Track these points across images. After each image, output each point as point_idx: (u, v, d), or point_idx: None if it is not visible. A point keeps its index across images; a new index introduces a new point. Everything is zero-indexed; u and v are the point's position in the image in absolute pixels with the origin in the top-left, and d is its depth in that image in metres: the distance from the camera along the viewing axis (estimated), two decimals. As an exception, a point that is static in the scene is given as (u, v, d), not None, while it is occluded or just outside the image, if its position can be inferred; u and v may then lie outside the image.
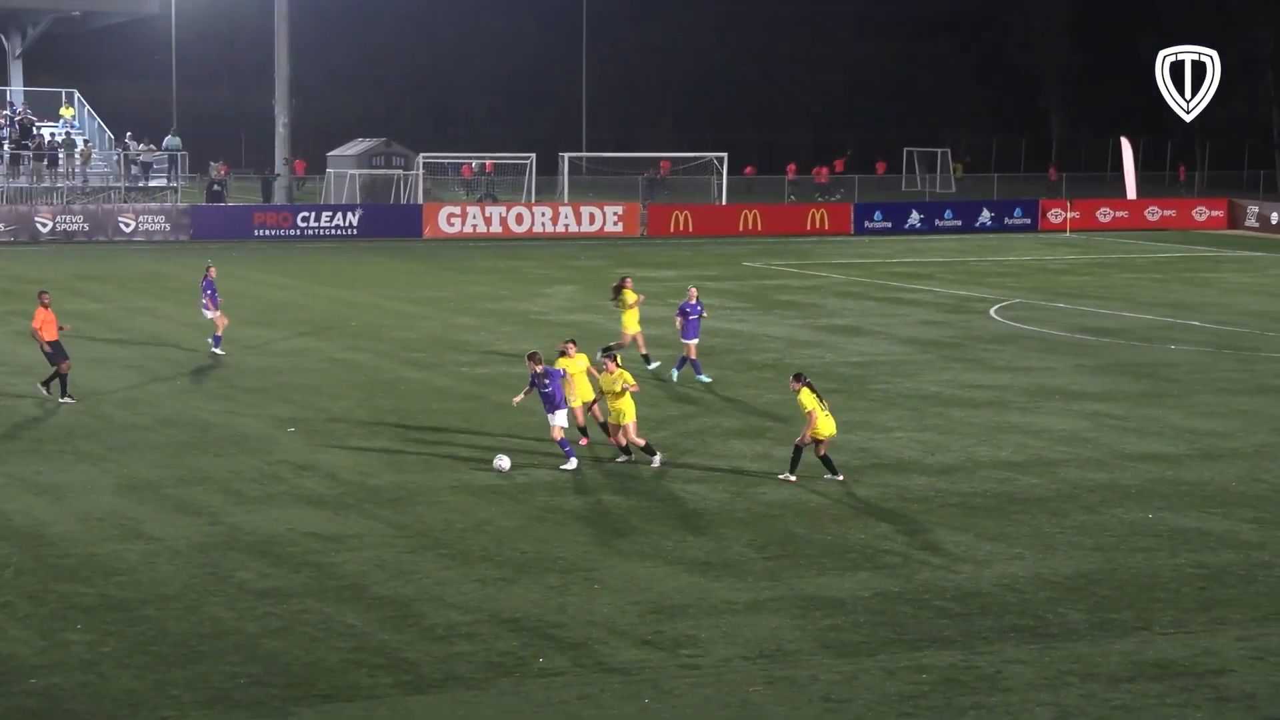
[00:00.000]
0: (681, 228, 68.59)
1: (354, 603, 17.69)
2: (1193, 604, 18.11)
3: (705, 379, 31.83)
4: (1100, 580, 18.92)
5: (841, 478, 23.62)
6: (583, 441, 25.72)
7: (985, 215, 72.52)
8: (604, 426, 25.44)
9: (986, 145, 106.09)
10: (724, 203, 73.24)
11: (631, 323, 32.99)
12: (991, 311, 43.94)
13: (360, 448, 25.64)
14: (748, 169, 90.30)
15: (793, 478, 23.63)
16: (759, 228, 69.34)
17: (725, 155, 75.01)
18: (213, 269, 35.25)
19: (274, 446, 25.57)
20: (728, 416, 28.70)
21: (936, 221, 71.78)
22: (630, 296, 33.07)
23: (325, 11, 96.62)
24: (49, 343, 29.04)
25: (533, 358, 24.59)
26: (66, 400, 28.78)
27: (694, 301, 32.32)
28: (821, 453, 23.65)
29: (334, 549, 19.80)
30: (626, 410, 24.37)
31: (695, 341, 32.13)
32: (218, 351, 34.17)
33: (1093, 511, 22.17)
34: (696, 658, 16.19)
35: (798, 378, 23.71)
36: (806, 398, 23.38)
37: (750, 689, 15.37)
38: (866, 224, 70.64)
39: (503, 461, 24.26)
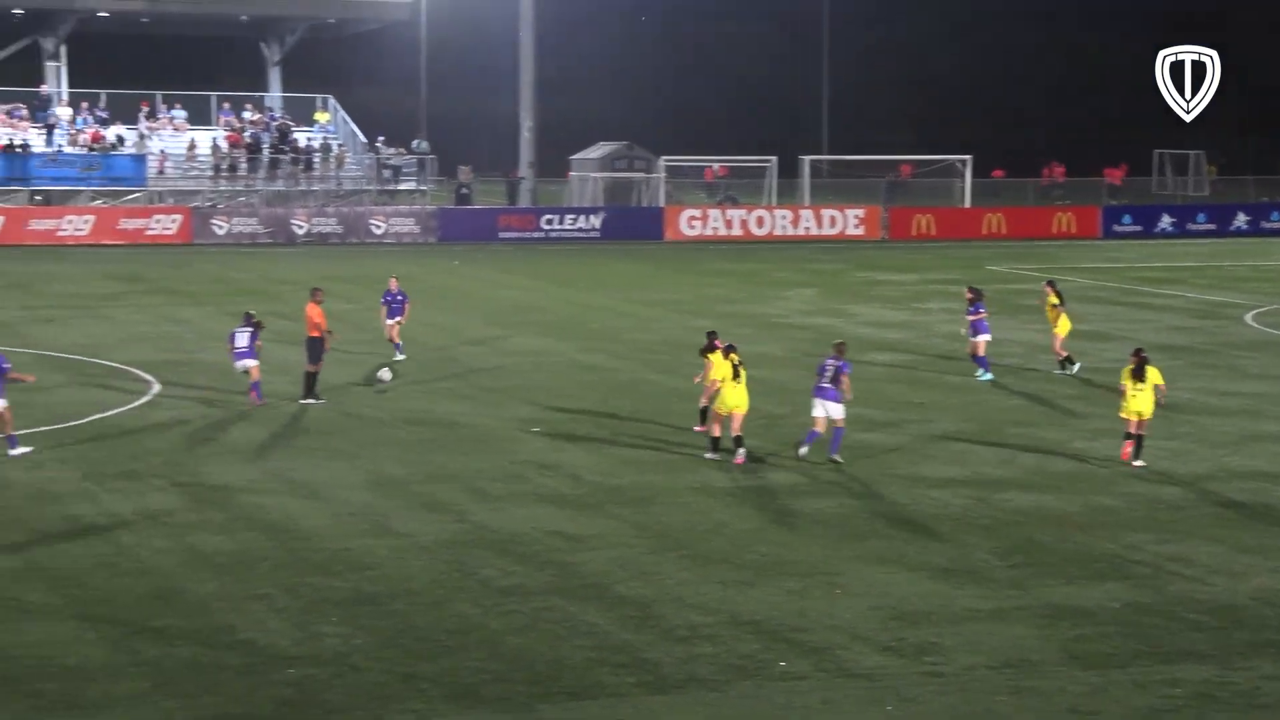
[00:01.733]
0: (923, 231, 67.92)
1: (596, 602, 17.86)
2: None
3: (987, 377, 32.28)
4: (1363, 597, 18.20)
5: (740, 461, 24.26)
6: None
7: (1240, 219, 70.41)
8: (703, 412, 26.25)
9: (1242, 147, 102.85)
10: (968, 205, 72.25)
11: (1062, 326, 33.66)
12: (1247, 318, 42.58)
13: (602, 448, 25.89)
14: (995, 171, 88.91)
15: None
16: (1003, 231, 68.29)
17: (969, 158, 74.00)
18: (394, 280, 34.97)
19: (517, 446, 25.96)
20: (969, 421, 28.29)
21: (1189, 225, 69.92)
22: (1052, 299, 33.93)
23: (569, 17, 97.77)
24: (309, 338, 29.50)
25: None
26: (309, 401, 29.21)
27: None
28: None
29: (576, 548, 20.02)
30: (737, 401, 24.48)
31: (985, 339, 32.72)
32: (400, 358, 33.76)
33: (1355, 525, 21.34)
34: (939, 665, 15.98)
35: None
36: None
37: (995, 698, 15.12)
38: (1115, 227, 69.11)
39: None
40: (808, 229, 67.35)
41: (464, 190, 73.00)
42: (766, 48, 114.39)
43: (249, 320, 29.59)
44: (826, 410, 24.77)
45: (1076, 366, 33.11)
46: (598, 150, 74.90)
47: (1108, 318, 42.56)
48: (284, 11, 71.93)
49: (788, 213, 68.07)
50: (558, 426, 27.60)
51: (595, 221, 65.92)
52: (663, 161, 71.75)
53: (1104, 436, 26.88)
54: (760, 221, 67.44)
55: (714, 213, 68.30)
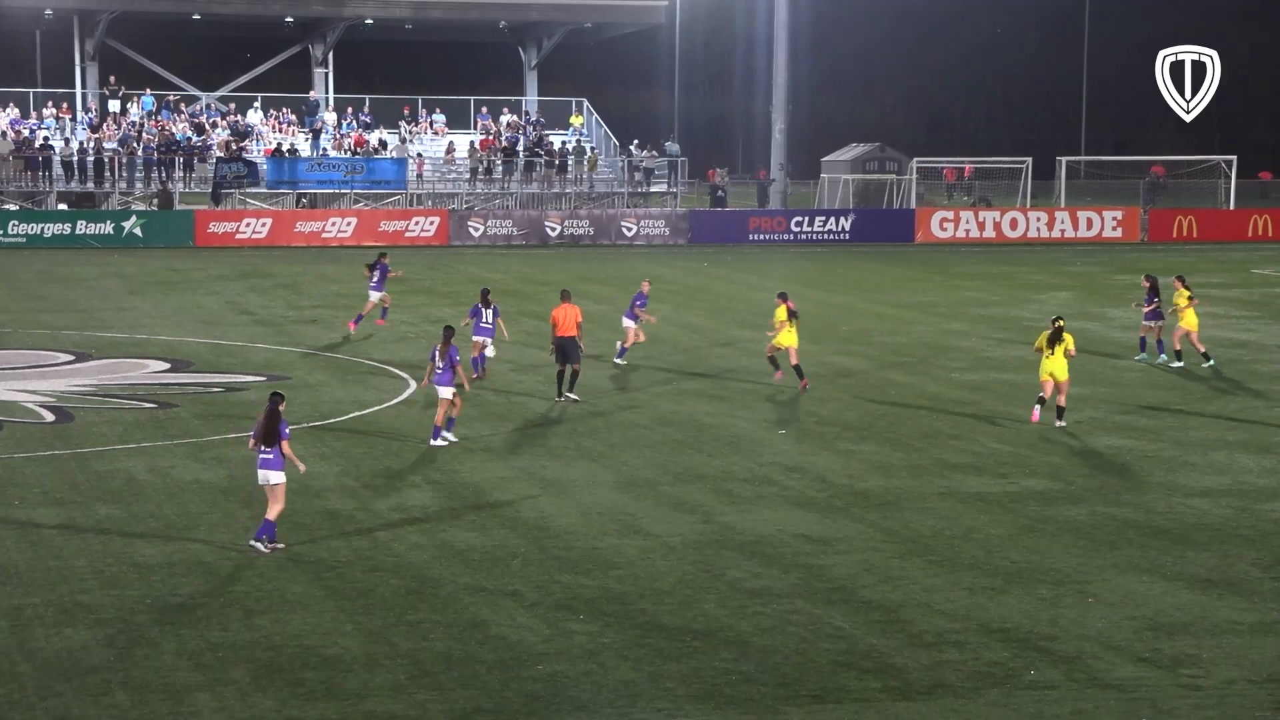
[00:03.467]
0: (1185, 233, 66.07)
1: (842, 605, 17.77)
2: None
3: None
4: None
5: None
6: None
7: None
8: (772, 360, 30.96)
9: None
10: (1232, 207, 70.05)
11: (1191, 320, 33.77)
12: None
13: (849, 451, 25.75)
14: (1263, 173, 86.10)
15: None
16: (1270, 233, 66.03)
17: (1234, 158, 71.73)
18: (647, 284, 35.03)
19: (764, 448, 25.96)
20: (1233, 429, 27.42)
21: None
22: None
23: (822, 18, 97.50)
24: (562, 338, 29.68)
25: None
26: (567, 398, 29.70)
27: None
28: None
29: (823, 551, 19.94)
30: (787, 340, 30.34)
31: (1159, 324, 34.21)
32: (619, 361, 33.88)
33: None
34: (1198, 678, 15.53)
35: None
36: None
37: (1256, 714, 14.64)
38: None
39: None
40: (1063, 231, 66.03)
41: (720, 193, 73.30)
42: (1023, 47, 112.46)
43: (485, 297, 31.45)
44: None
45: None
46: (849, 152, 74.49)
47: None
48: (542, 17, 73.13)
49: (1043, 214, 66.82)
50: (806, 428, 27.52)
51: (845, 223, 65.57)
52: (914, 163, 71.05)
53: (1375, 447, 25.80)
54: (1014, 224, 66.32)
55: (966, 215, 67.40)
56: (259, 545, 19.56)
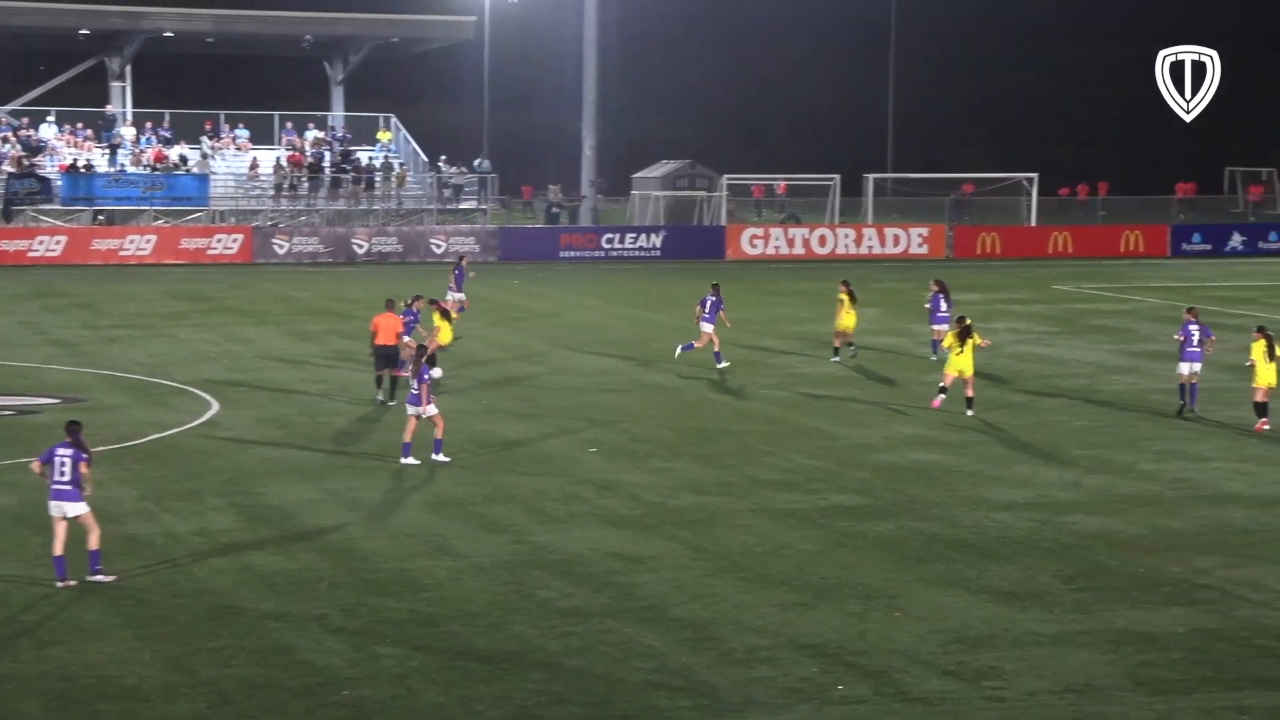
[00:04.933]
0: (988, 250, 67.60)
1: (653, 624, 17.86)
2: None
3: None
4: None
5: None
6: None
7: (1314, 237, 69.68)
8: None
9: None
10: (1034, 224, 71.90)
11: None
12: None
13: (661, 469, 25.91)
14: (1062, 190, 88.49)
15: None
16: (1070, 250, 67.89)
17: (1035, 175, 73.66)
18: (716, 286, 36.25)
19: (576, 466, 26.00)
20: (1036, 443, 28.12)
21: (1260, 244, 69.24)
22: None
23: (633, 36, 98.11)
24: (382, 347, 30.51)
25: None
26: (384, 404, 30.63)
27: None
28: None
29: (634, 569, 20.03)
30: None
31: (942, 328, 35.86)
32: (721, 366, 35.48)
33: None
34: (1001, 690, 15.89)
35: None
36: None
37: (1057, 725, 15.04)
38: (1184, 246, 68.55)
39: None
40: (871, 248, 67.19)
41: (554, 210, 73.31)
42: (832, 66, 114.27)
43: None
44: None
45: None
46: (660, 169, 74.99)
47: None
48: (348, 31, 72.52)
49: (851, 231, 67.94)
50: (618, 447, 27.63)
51: (656, 240, 66.00)
52: (725, 180, 71.77)
53: (1173, 459, 26.69)
54: (823, 240, 67.33)
55: (776, 231, 68.26)
56: (101, 577, 19.03)
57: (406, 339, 31.32)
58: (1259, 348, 29.10)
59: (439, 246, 64.42)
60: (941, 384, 30.68)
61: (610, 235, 66.39)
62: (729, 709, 15.39)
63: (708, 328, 35.28)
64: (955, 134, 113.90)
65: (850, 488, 24.56)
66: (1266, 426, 29.03)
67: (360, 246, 63.75)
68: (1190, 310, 32.01)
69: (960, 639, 17.38)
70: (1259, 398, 29.22)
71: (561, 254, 65.19)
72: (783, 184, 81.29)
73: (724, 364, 35.56)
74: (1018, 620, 18.07)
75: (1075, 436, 28.70)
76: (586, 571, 19.91)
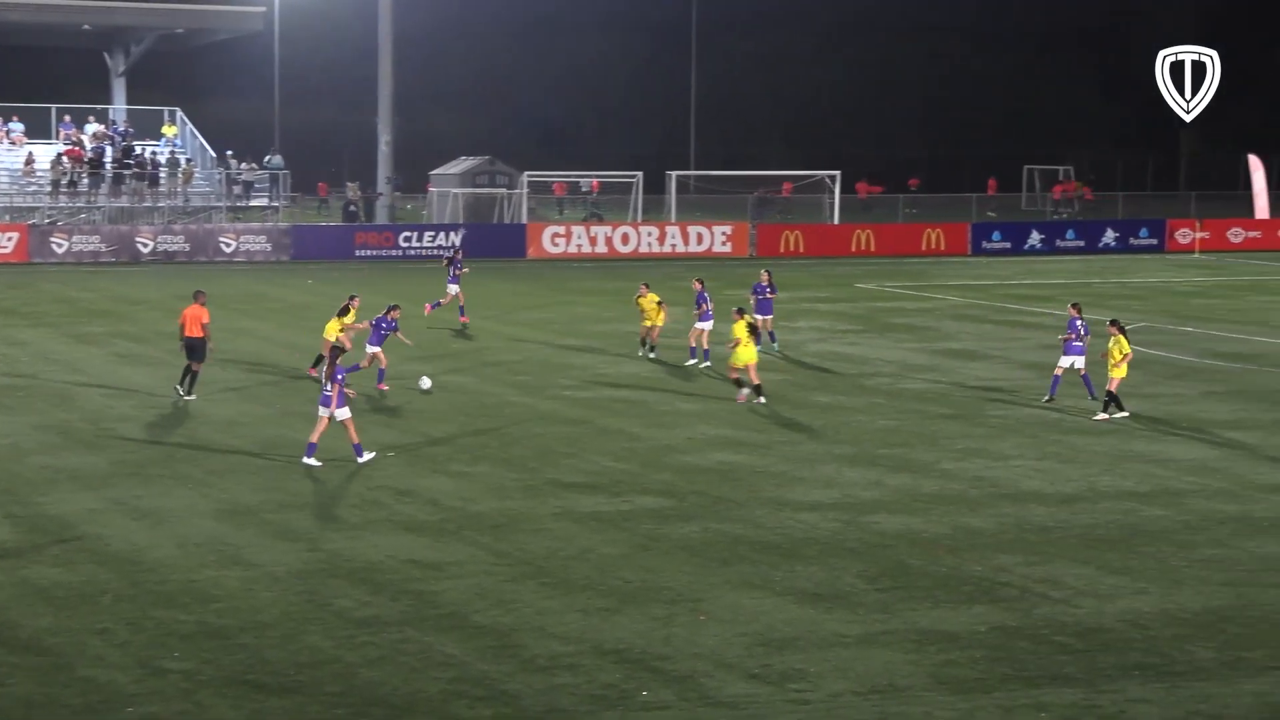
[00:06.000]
0: (792, 248, 68.50)
1: (454, 632, 17.79)
2: (1329, 643, 17.76)
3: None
4: (1230, 617, 18.62)
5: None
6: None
7: (1109, 236, 71.79)
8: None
9: (1112, 163, 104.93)
10: (837, 222, 73.04)
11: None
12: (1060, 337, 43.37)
13: (461, 473, 25.81)
14: (872, 187, 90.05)
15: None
16: (872, 248, 69.09)
17: (838, 173, 74.84)
18: (699, 283, 37.69)
19: (374, 471, 25.79)
20: (840, 443, 28.57)
21: (1058, 242, 71.16)
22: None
23: (430, 29, 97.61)
24: (189, 339, 31.25)
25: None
26: (191, 397, 31.11)
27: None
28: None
29: (434, 576, 19.93)
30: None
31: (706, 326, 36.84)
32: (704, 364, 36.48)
33: (1222, 545, 21.84)
34: (806, 692, 16.11)
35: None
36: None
37: (861, 726, 15.29)
38: (984, 244, 70.17)
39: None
40: (674, 246, 67.68)
41: (353, 208, 72.49)
42: (634, 61, 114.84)
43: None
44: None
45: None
46: (458, 165, 74.71)
47: (979, 336, 43.18)
48: (130, 21, 70.97)
49: (654, 229, 68.35)
50: (418, 450, 27.46)
51: (456, 239, 65.73)
52: (525, 177, 71.74)
53: (975, 457, 27.29)
54: (625, 239, 67.64)
55: (578, 230, 68.41)
56: None
57: (378, 350, 32.84)
58: (1122, 343, 30.40)
59: (229, 245, 63.41)
60: (736, 379, 31.93)
61: (408, 234, 65.97)
62: (531, 717, 15.39)
63: (704, 325, 36.99)
64: (759, 131, 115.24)
65: (654, 490, 24.71)
66: (1105, 417, 30.44)
67: (145, 245, 62.49)
68: (1074, 305, 33.13)
69: (765, 641, 17.59)
70: (1111, 387, 30.67)
71: (357, 253, 64.61)
72: (595, 182, 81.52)
73: (693, 361, 36.81)
74: (822, 621, 18.34)
75: (879, 436, 29.21)
76: (384, 579, 19.75)
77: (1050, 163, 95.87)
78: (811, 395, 33.54)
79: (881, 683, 16.38)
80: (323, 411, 25.86)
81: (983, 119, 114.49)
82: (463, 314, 43.77)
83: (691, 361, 36.98)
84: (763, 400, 31.84)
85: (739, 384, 32.07)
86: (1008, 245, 70.40)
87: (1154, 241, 71.56)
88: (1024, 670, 16.78)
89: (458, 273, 44.40)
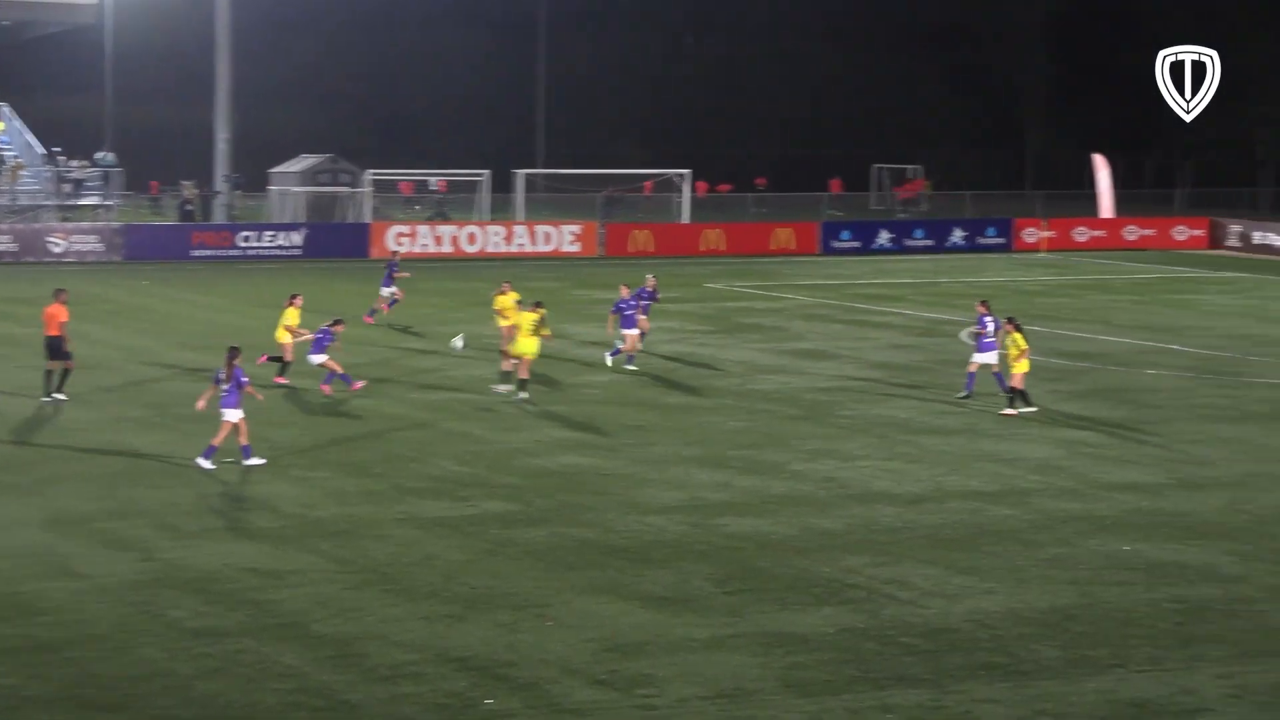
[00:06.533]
0: (641, 247, 68.67)
1: (293, 642, 17.62)
2: (1170, 640, 18.19)
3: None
4: (1075, 615, 19.00)
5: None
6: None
7: (957, 234, 72.78)
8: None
9: (960, 161, 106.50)
10: (686, 221, 73.36)
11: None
12: (963, 335, 44.07)
13: (302, 478, 25.56)
14: (719, 186, 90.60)
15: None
16: (723, 247, 69.48)
17: (688, 172, 75.17)
18: (651, 278, 37.76)
19: (210, 478, 25.46)
20: (689, 445, 28.71)
21: (906, 241, 72.03)
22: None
23: (269, 23, 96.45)
24: (48, 337, 31.41)
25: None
26: (62, 397, 31.05)
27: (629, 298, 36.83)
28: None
29: (273, 585, 19.73)
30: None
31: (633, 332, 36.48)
32: (630, 367, 36.36)
33: (1068, 544, 22.27)
34: (653, 698, 16.18)
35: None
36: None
37: (709, 731, 15.38)
38: (833, 244, 70.84)
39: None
40: (522, 245, 67.53)
41: (188, 207, 71.36)
42: (481, 57, 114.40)
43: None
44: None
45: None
46: (300, 163, 73.95)
47: (828, 336, 43.61)
48: (-48, 12, 69.42)
49: (501, 229, 68.15)
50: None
51: (297, 238, 65.03)
52: (368, 175, 71.20)
53: (824, 458, 27.56)
54: (472, 238, 67.35)
55: (423, 229, 68.03)
56: None
57: (323, 358, 32.63)
58: (1018, 339, 31.26)
59: (58, 245, 62.21)
60: (508, 371, 32.50)
61: (247, 233, 65.14)
62: (373, 728, 15.30)
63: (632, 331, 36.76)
64: (608, 129, 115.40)
65: (501, 494, 24.66)
66: (1014, 413, 31.15)
67: (-30, 245, 61.07)
68: (983, 303, 33.80)
69: (613, 647, 17.63)
70: (1015, 383, 31.39)
71: (194, 253, 63.65)
72: (442, 182, 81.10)
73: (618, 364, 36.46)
74: (670, 626, 18.42)
75: (728, 437, 29.40)
76: (221, 589, 19.52)
77: (899, 161, 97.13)
78: (661, 396, 33.66)
79: (729, 686, 16.49)
80: (228, 415, 25.74)
81: (832, 117, 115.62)
82: (372, 315, 44.42)
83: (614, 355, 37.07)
84: (524, 397, 31.79)
85: (506, 375, 32.53)
86: (857, 244, 71.12)
87: (1002, 240, 72.71)
88: (871, 671, 16.99)
89: (395, 275, 45.28)
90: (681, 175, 74.81)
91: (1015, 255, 70.62)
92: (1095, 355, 40.07)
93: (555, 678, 16.66)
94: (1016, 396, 31.52)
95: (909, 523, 23.30)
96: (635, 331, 36.86)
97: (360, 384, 33.13)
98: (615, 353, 36.93)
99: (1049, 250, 71.66)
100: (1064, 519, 23.62)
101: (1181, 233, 75.23)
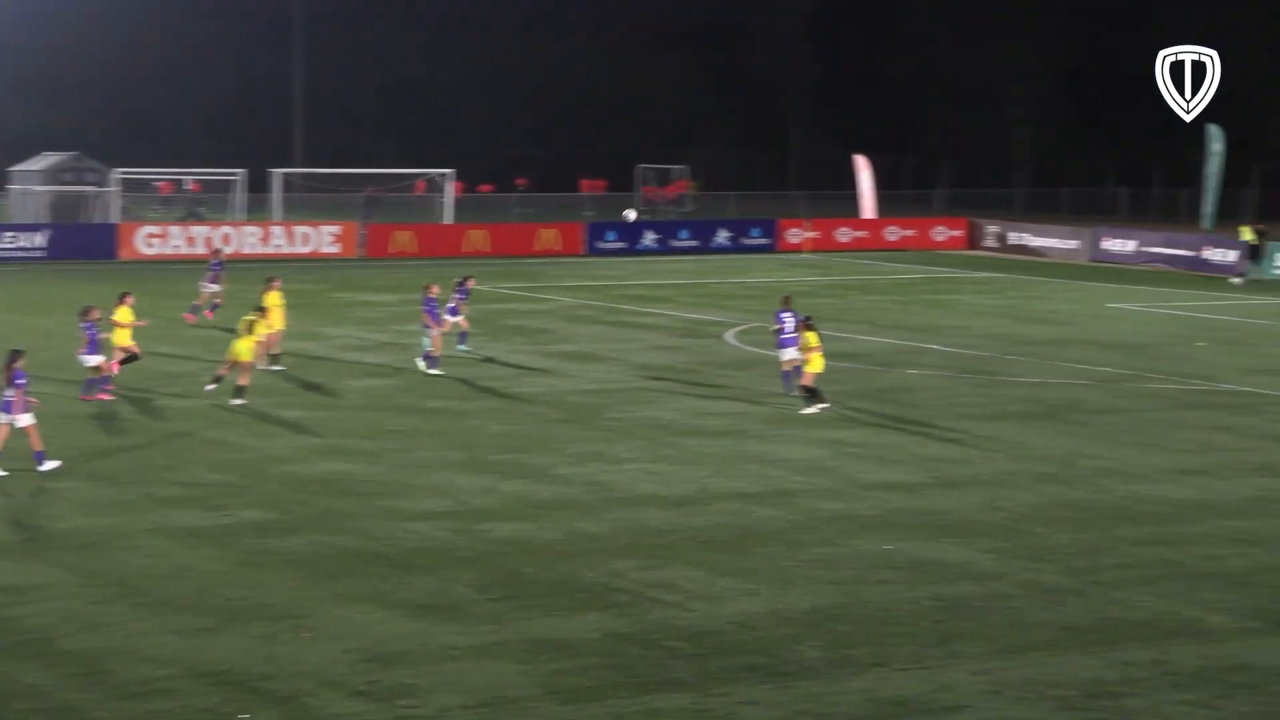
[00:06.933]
0: (403, 248, 68.25)
1: (37, 660, 17.17)
2: (930, 638, 18.63)
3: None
4: (838, 615, 19.35)
5: None
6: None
7: (722, 235, 73.66)
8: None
9: (725, 162, 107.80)
10: (449, 221, 73.10)
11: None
12: (728, 336, 44.65)
13: (47, 489, 24.90)
14: (482, 186, 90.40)
15: None
16: (487, 248, 69.38)
17: (451, 171, 74.92)
18: (435, 287, 36.91)
19: (-50, 490, 24.68)
20: (452, 449, 28.61)
21: (672, 242, 72.69)
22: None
23: (7, 14, 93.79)
24: None
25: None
26: None
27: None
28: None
29: (15, 601, 19.19)
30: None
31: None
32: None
33: (831, 544, 22.68)
34: (414, 708, 16.10)
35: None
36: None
37: (472, 740, 15.35)
38: (598, 245, 71.18)
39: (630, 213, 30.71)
40: (279, 246, 66.63)
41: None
42: (235, 51, 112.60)
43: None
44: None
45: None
46: (41, 162, 72.04)
47: (594, 338, 43.81)
48: None
49: (258, 229, 67.17)
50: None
51: (40, 240, 63.35)
52: (116, 174, 69.62)
53: (590, 461, 27.69)
54: (227, 239, 66.21)
55: (175, 230, 66.74)
56: None
57: (99, 360, 31.92)
58: (809, 338, 31.97)
59: None
60: (222, 374, 32.36)
61: (-14, 234, 63.24)
62: (123, 747, 14.98)
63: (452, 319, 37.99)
64: (368, 127, 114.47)
65: (258, 502, 24.31)
66: (814, 410, 31.65)
67: None
68: (785, 300, 34.61)
69: (373, 657, 17.50)
70: (806, 381, 32.04)
71: (-72, 255, 61.64)
72: (195, 183, 79.60)
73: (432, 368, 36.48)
74: (433, 634, 18.34)
75: (493, 441, 29.36)
76: (-40, 606, 18.92)
77: (664, 161, 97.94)
78: (422, 400, 33.49)
79: (492, 695, 16.48)
80: (3, 419, 25.13)
81: (596, 117, 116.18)
82: (194, 313, 44.89)
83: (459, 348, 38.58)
84: (239, 403, 31.64)
85: (218, 379, 32.36)
86: (623, 245, 71.58)
87: (766, 241, 73.78)
88: (636, 676, 17.11)
89: (217, 274, 45.37)
90: (444, 175, 74.53)
91: (780, 256, 71.73)
92: (858, 355, 40.87)
93: (313, 690, 16.49)
94: (810, 394, 32.10)
95: (675, 525, 23.52)
96: (438, 332, 36.88)
97: (106, 397, 32.33)
98: (428, 356, 36.95)
99: (813, 251, 72.92)
100: (828, 519, 24.05)
101: (941, 233, 77.14)
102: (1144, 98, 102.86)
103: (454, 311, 38.84)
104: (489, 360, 38.68)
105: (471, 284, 41.00)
